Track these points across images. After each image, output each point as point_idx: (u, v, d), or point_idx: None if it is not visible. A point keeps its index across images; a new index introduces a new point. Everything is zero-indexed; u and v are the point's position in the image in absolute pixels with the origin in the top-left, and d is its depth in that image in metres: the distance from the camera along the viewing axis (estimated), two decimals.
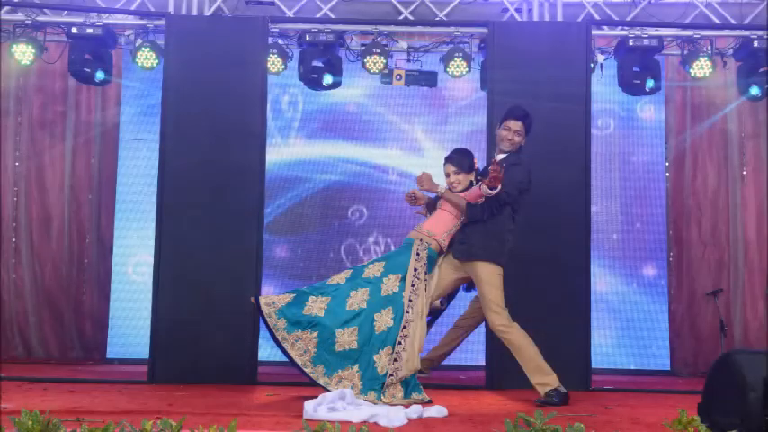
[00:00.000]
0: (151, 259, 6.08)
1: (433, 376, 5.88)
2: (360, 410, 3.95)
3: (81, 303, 7.94)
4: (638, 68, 7.01)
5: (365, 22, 7.07)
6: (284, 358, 4.97)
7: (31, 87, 8.04)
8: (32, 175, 7.99)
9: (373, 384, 4.72)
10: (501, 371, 5.67)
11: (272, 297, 5.03)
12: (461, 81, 7.64)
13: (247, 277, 5.92)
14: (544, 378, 4.83)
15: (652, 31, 6.96)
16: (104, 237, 7.97)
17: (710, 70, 7.12)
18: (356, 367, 4.77)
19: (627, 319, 7.82)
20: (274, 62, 7.03)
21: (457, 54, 7.00)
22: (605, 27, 7.08)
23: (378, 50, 7.00)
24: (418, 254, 4.96)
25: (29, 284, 7.89)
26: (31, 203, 7.98)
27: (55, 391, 5.10)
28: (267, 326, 4.89)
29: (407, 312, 4.84)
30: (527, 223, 5.41)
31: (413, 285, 4.90)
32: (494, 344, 5.51)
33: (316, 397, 4.16)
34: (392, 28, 7.20)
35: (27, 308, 7.86)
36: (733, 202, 7.96)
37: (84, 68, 7.02)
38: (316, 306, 4.88)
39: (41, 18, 7.05)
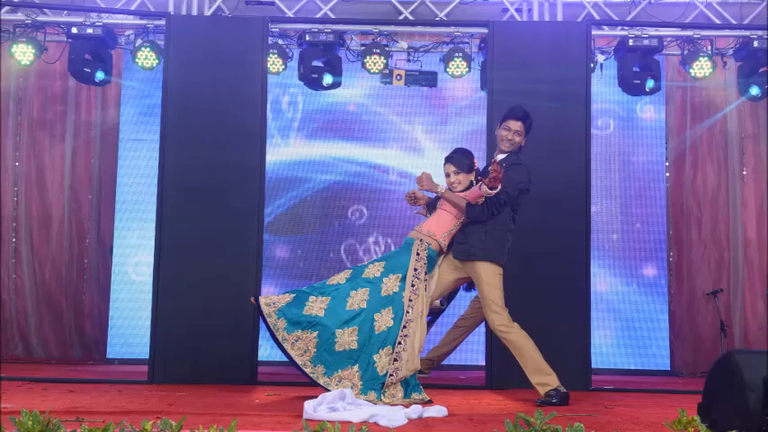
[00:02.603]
0: (151, 259, 6.08)
1: (432, 376, 5.88)
2: (360, 410, 3.94)
3: (81, 303, 7.94)
4: (638, 68, 7.01)
5: (365, 21, 7.07)
6: (284, 358, 4.97)
7: (30, 87, 8.04)
8: (32, 175, 7.99)
9: (373, 384, 4.72)
10: (501, 371, 5.67)
11: (272, 297, 5.03)
12: (461, 81, 7.65)
13: (247, 277, 5.91)
14: (544, 378, 4.82)
15: (652, 31, 6.97)
16: (104, 237, 7.98)
17: (710, 70, 7.13)
18: (356, 367, 4.77)
19: (627, 319, 7.82)
20: (274, 62, 7.04)
21: (457, 54, 7.01)
22: (605, 27, 7.09)
23: (378, 50, 7.00)
24: (418, 254, 4.96)
25: (29, 284, 7.89)
26: (31, 203, 7.99)
27: (55, 391, 5.09)
28: (267, 326, 4.89)
29: (407, 312, 4.83)
30: (527, 223, 5.42)
31: (413, 285, 4.89)
32: (494, 344, 5.51)
33: (316, 397, 4.15)
34: (392, 28, 7.21)
35: (27, 308, 7.87)
36: (733, 202, 7.96)
37: (85, 68, 7.03)
38: (316, 306, 4.88)
39: (41, 18, 7.06)
